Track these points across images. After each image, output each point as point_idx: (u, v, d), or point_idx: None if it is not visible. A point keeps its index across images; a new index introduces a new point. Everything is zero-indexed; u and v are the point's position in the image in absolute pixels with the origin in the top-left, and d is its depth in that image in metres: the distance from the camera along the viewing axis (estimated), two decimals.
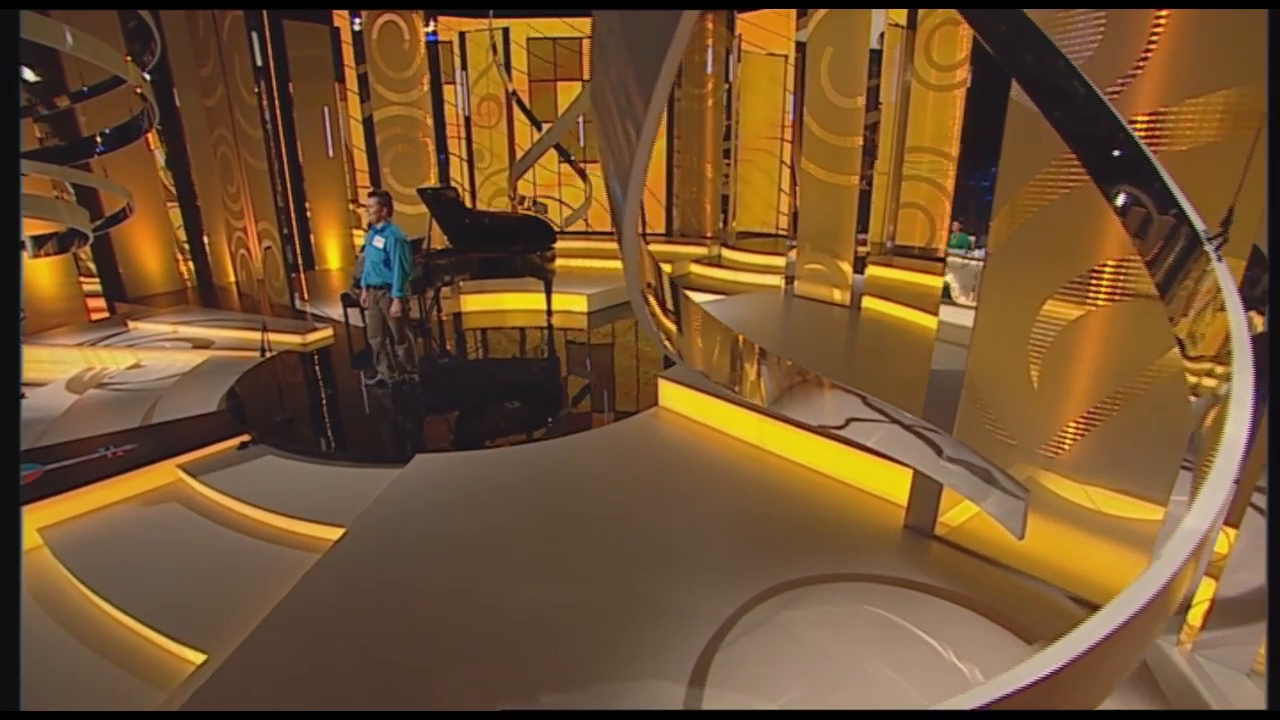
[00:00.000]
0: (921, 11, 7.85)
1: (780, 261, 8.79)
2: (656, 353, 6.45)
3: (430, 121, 7.99)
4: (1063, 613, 2.73)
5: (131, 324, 7.26)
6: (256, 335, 6.66)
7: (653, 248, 10.46)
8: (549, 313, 7.20)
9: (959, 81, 7.81)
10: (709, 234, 10.96)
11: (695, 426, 4.48)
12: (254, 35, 7.21)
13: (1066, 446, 2.85)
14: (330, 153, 10.31)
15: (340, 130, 10.53)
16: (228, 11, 7.42)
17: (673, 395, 4.71)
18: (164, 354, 6.48)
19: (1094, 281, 2.66)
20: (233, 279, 9.62)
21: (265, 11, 7.40)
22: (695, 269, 9.25)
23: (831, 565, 3.04)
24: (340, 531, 3.24)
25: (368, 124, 7.89)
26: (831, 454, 3.79)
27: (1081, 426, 2.78)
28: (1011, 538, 3.12)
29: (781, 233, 10.94)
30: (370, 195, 4.82)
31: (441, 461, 3.94)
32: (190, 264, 9.64)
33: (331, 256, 10.76)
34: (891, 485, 3.55)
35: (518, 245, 6.78)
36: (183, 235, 9.56)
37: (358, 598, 2.77)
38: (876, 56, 6.06)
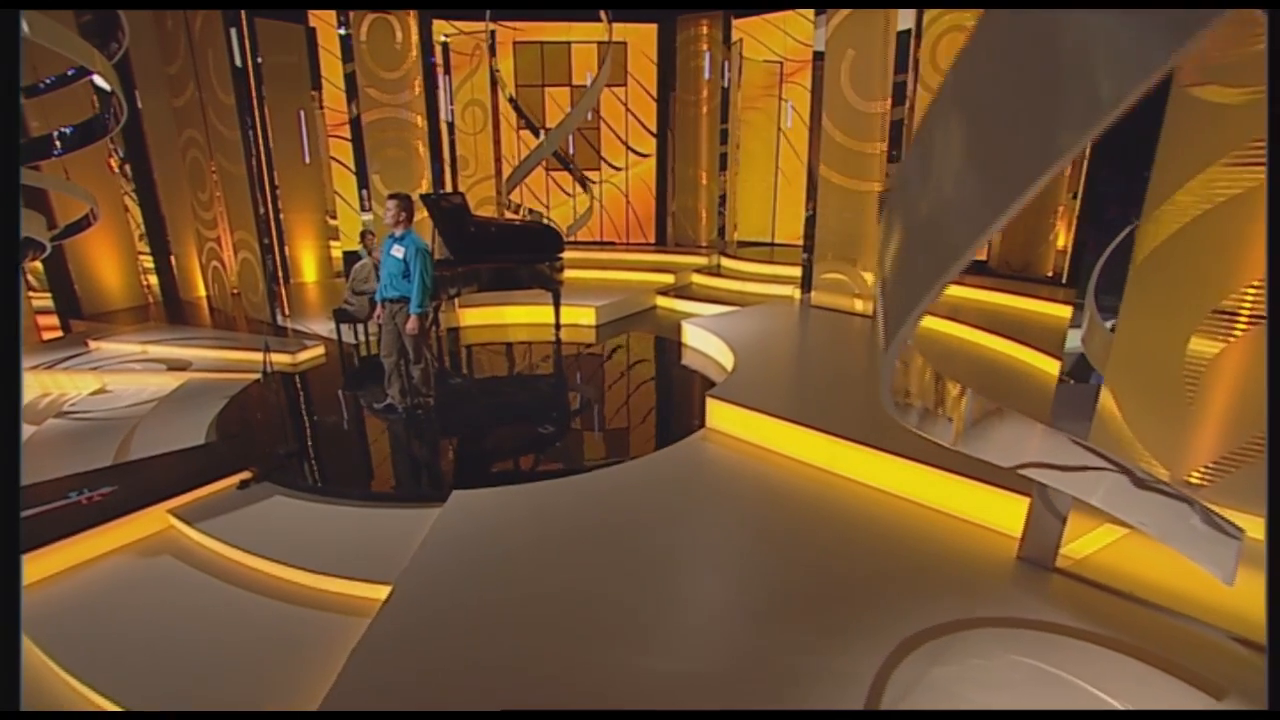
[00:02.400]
0: (928, 18, 7.71)
1: (784, 271, 8.51)
2: (680, 367, 6.02)
3: (424, 124, 7.41)
4: (1232, 657, 2.40)
5: (92, 344, 6.46)
6: (237, 355, 5.98)
7: (647, 258, 10.08)
8: (557, 326, 6.70)
9: None
10: (704, 243, 10.61)
11: (751, 449, 4.06)
12: (232, 32, 6.53)
13: (1216, 473, 2.55)
14: (306, 159, 9.61)
15: (318, 136, 9.85)
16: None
17: (722, 415, 4.29)
18: (133, 377, 5.74)
19: (1254, 295, 2.38)
20: (202, 293, 8.81)
21: (243, 11, 6.73)
22: (697, 279, 8.88)
23: (954, 608, 2.65)
24: (385, 590, 2.70)
25: (355, 126, 7.27)
26: (915, 477, 3.43)
27: (1242, 451, 2.48)
28: (1151, 571, 2.81)
29: (780, 243, 10.69)
30: (389, 198, 4.27)
31: (483, 499, 3.42)
32: (153, 277, 8.79)
33: (307, 269, 10.03)
34: (988, 510, 3.20)
35: (526, 254, 6.27)
36: (144, 246, 8.73)
37: (430, 681, 2.24)
38: (903, 53, 5.80)
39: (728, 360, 5.65)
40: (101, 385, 5.69)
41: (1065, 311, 6.16)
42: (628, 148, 10.86)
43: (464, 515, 3.25)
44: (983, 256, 8.29)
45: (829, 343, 5.88)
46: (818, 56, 6.44)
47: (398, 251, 4.26)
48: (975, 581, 2.83)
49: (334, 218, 10.41)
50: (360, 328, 6.45)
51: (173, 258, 8.80)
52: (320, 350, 6.15)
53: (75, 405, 5.32)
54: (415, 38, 7.10)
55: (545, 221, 7.95)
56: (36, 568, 2.99)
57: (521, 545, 3.02)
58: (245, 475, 3.72)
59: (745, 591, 2.72)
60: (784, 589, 2.74)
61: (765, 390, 4.49)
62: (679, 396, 5.45)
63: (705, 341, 6.14)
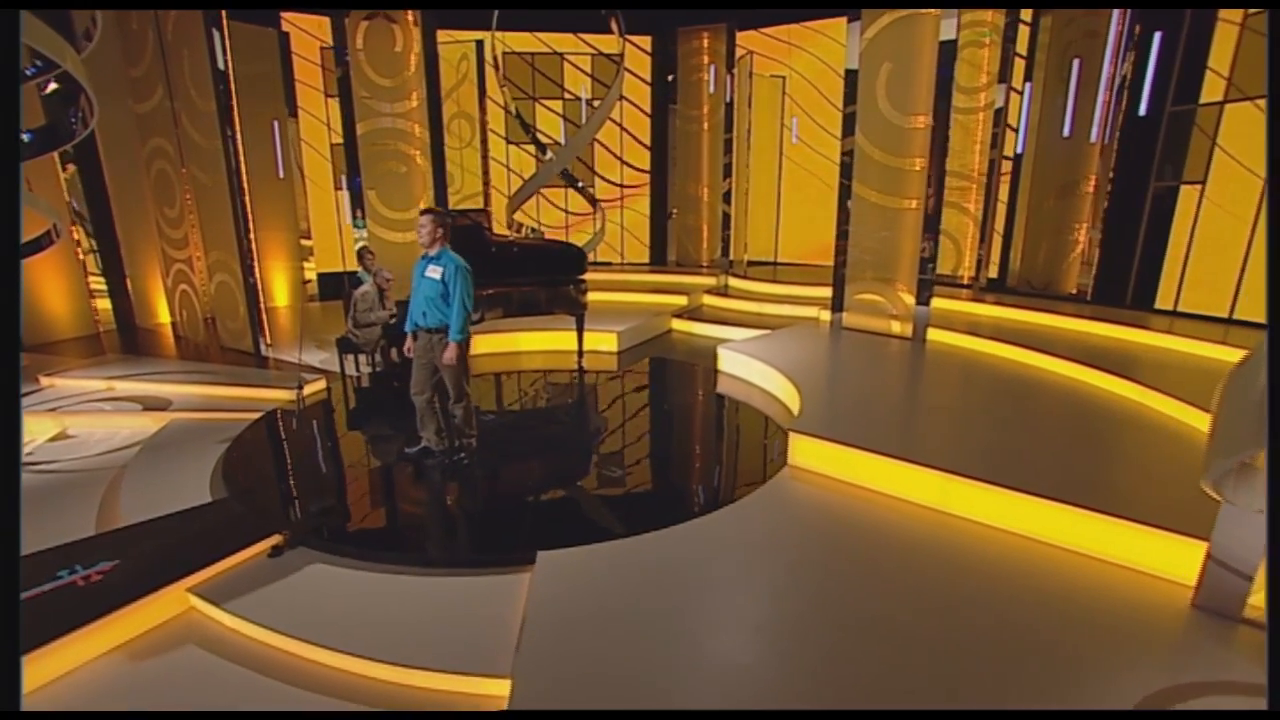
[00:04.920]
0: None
1: (801, 291, 8.32)
2: (725, 397, 5.66)
3: (421, 134, 6.92)
4: None
5: (44, 380, 5.68)
6: (225, 391, 5.36)
7: (650, 279, 9.76)
8: (581, 353, 6.30)
9: (985, 104, 7.73)
10: (705, 263, 10.39)
11: (846, 488, 3.74)
12: (214, 32, 5.97)
13: None
14: (281, 173, 8.97)
15: (290, 148, 9.23)
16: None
17: (808, 451, 3.96)
18: (101, 419, 5.04)
19: None
20: (163, 320, 8.04)
21: (224, 12, 6.18)
22: (709, 300, 8.61)
23: (1154, 671, 2.36)
24: (500, 685, 2.23)
25: (349, 137, 6.75)
26: (1048, 517, 3.17)
27: None
28: None
29: (784, 262, 10.55)
30: (422, 214, 3.81)
31: (575, 560, 2.98)
32: (102, 302, 7.95)
33: (279, 292, 9.32)
34: (1137, 551, 2.96)
35: (549, 276, 5.89)
36: (92, 265, 7.91)
37: None
38: (946, 65, 5.71)
39: (777, 388, 5.37)
40: (62, 429, 4.97)
41: (1103, 330, 6.14)
42: (622, 162, 10.58)
43: (561, 582, 2.80)
44: (994, 274, 8.31)
45: (890, 369, 5.66)
46: (850, 73, 6.32)
47: (434, 272, 3.80)
48: (1154, 638, 2.56)
49: (308, 237, 9.74)
50: (361, 358, 5.90)
51: (129, 280, 8.02)
52: (322, 384, 5.56)
53: (33, 454, 4.60)
54: (417, 45, 6.66)
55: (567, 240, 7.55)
56: (31, 674, 2.39)
57: (642, 615, 2.59)
58: (275, 540, 3.17)
59: (912, 660, 2.36)
60: (956, 655, 2.40)
61: (849, 422, 4.19)
62: (741, 429, 5.08)
63: (747, 368, 5.83)
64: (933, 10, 5.71)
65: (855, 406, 4.66)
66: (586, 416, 5.40)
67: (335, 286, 9.90)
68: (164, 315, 8.11)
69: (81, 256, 7.67)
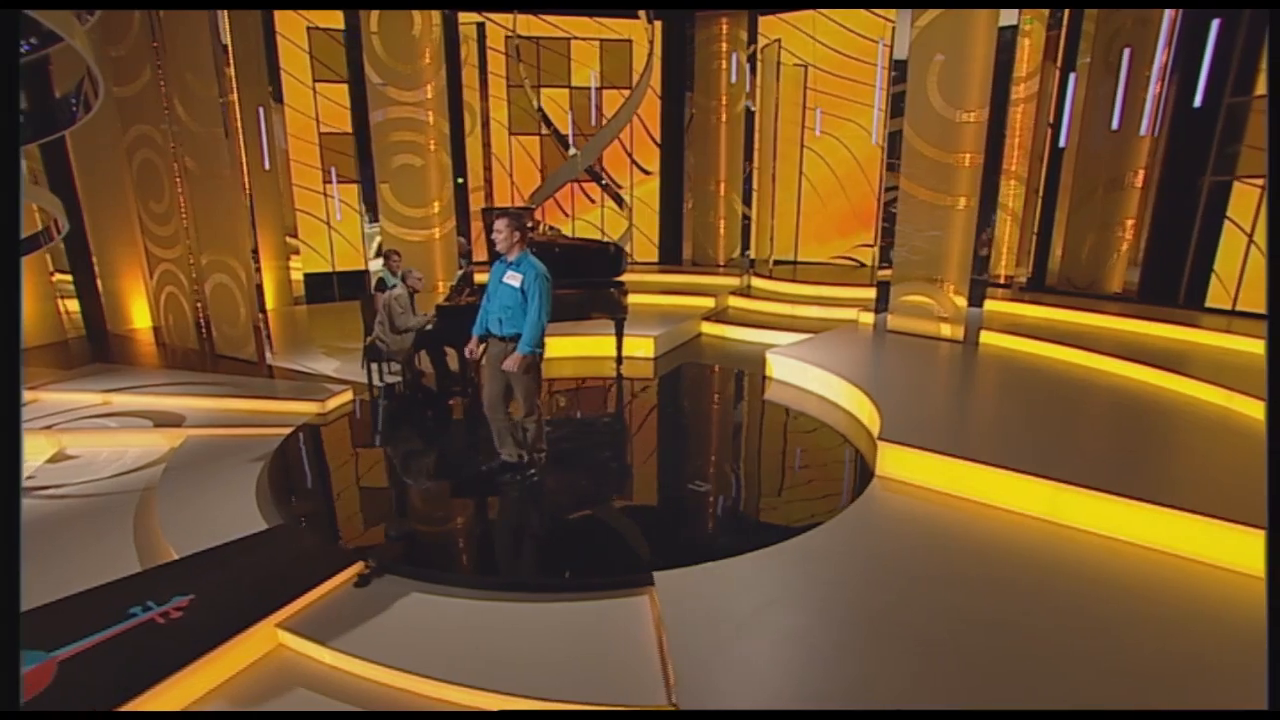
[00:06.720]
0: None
1: (831, 292, 8.45)
2: (781, 405, 5.70)
3: (436, 124, 6.84)
4: None
5: (27, 394, 5.46)
6: (241, 404, 5.22)
7: (670, 279, 9.79)
8: (619, 360, 6.31)
9: (1026, 95, 7.96)
10: (723, 262, 10.47)
11: (941, 498, 3.82)
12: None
13: None
14: (267, 165, 8.78)
15: (276, 138, 9.05)
16: None
17: (896, 461, 4.03)
18: (104, 436, 4.87)
19: None
20: (137, 324, 7.81)
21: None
22: (735, 302, 8.68)
23: None
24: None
25: (361, 127, 6.65)
26: (1174, 527, 3.28)
27: None
28: None
29: (805, 261, 10.68)
30: (498, 217, 3.78)
31: (695, 580, 2.98)
32: (67, 303, 7.67)
33: (266, 295, 9.08)
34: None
35: (590, 278, 5.89)
36: (53, 265, 7.63)
37: None
38: (1006, 51, 5.88)
39: (839, 394, 5.44)
40: (60, 449, 4.79)
41: (1162, 330, 6.37)
42: (633, 161, 10.60)
43: (690, 604, 2.80)
44: (1022, 273, 8.56)
45: (952, 372, 5.79)
46: (897, 64, 6.46)
47: (513, 279, 3.78)
48: None
49: (295, 235, 9.53)
50: (386, 366, 5.80)
51: (99, 281, 7.74)
52: (348, 395, 5.45)
53: (34, 477, 4.42)
54: (438, 30, 6.60)
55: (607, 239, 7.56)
56: None
57: (786, 632, 2.61)
58: (359, 568, 3.11)
59: (1067, 687, 2.43)
60: (1113, 673, 2.47)
61: (933, 430, 4.28)
62: (813, 438, 5.10)
63: (803, 375, 5.90)
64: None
65: (934, 413, 4.75)
66: (650, 427, 5.43)
67: (324, 288, 9.76)
68: (140, 320, 7.88)
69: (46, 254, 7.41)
